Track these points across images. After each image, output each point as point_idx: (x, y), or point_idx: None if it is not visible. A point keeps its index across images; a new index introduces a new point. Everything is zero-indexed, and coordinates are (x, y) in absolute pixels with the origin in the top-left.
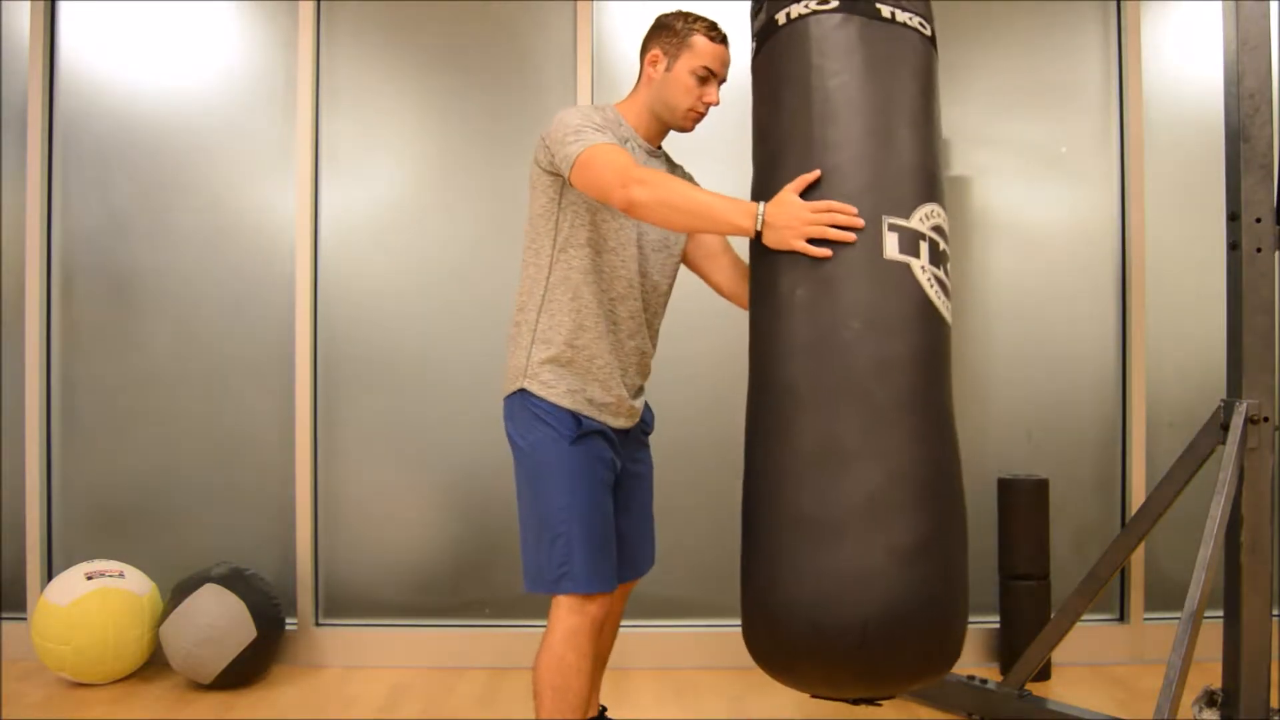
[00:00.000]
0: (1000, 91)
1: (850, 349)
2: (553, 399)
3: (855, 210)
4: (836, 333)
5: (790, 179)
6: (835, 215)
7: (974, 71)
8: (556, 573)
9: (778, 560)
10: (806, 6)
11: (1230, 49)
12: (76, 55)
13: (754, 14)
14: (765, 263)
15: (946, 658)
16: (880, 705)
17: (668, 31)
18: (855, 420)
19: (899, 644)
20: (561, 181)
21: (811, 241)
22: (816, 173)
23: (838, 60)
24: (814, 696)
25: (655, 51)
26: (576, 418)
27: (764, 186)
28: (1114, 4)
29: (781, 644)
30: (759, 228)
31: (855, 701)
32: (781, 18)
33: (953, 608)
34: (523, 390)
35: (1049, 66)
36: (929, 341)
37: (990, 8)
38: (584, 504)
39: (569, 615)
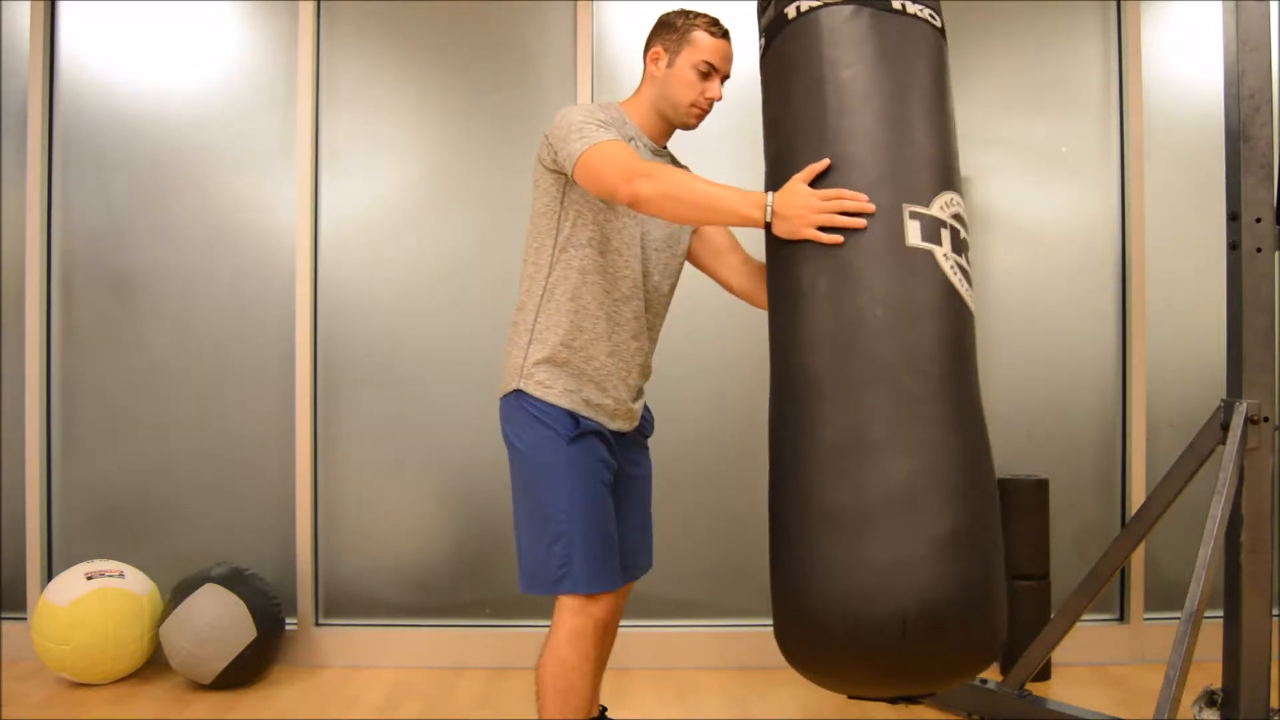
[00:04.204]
0: (1000, 91)
1: (876, 337)
2: (550, 399)
3: (865, 197)
4: (862, 322)
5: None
6: (844, 202)
7: (974, 71)
8: (557, 573)
9: (811, 556)
10: None
11: (1230, 49)
12: (76, 55)
13: (761, 10)
14: (784, 255)
15: (989, 649)
16: (920, 703)
17: (668, 29)
18: (885, 409)
19: (940, 636)
20: (565, 180)
21: (824, 230)
22: (826, 162)
23: (850, 52)
24: (851, 697)
25: (657, 49)
26: (574, 417)
27: (776, 180)
28: (1114, 4)
29: (818, 641)
30: (768, 218)
31: (894, 700)
32: (791, 11)
33: (992, 598)
34: (518, 391)
35: (1049, 66)
36: (955, 329)
37: (990, 8)
38: (585, 504)
39: (573, 616)
